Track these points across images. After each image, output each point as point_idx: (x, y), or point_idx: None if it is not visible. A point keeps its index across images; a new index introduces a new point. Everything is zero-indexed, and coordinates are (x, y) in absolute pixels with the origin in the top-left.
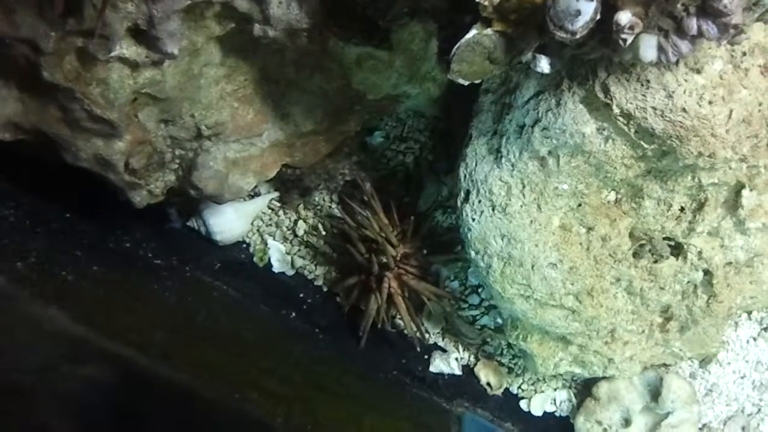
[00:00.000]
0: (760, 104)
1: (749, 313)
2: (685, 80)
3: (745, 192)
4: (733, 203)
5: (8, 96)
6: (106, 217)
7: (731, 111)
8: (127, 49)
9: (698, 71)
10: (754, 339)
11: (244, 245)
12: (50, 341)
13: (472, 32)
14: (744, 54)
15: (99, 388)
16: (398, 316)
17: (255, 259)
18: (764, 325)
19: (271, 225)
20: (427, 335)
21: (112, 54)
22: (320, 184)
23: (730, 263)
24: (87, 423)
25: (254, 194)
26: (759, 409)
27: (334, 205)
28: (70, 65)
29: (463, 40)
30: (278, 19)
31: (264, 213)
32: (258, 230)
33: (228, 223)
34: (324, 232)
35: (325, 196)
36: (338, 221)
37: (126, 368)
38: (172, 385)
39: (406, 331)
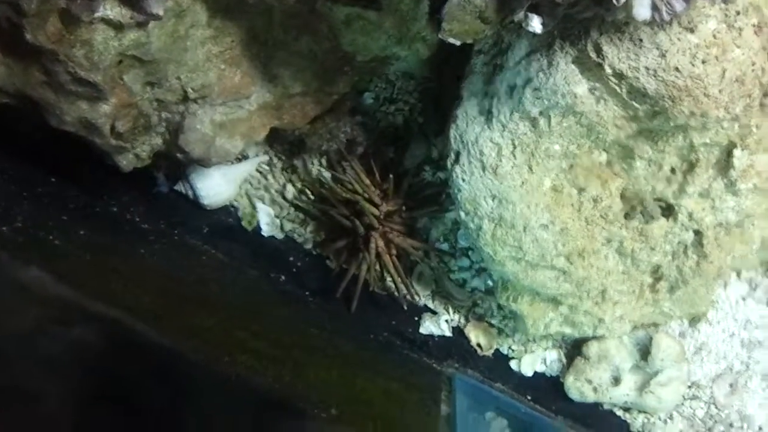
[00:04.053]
0: (753, 64)
1: (738, 273)
2: (678, 39)
3: (736, 152)
4: (725, 164)
5: None
6: (93, 181)
7: (724, 70)
8: (112, 10)
9: (691, 30)
10: (743, 298)
11: (232, 209)
12: (38, 305)
13: None
14: (738, 13)
15: (87, 351)
16: (388, 278)
17: (243, 222)
18: (753, 285)
19: (259, 188)
20: (417, 297)
21: (96, 15)
22: (322, 144)
23: (721, 224)
24: (75, 386)
25: (242, 157)
26: (747, 367)
27: (323, 168)
28: (54, 27)
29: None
30: None
31: (252, 176)
32: (246, 194)
33: (216, 186)
34: (312, 196)
35: (323, 159)
36: (323, 184)
37: (114, 331)
38: (161, 348)
39: (395, 292)
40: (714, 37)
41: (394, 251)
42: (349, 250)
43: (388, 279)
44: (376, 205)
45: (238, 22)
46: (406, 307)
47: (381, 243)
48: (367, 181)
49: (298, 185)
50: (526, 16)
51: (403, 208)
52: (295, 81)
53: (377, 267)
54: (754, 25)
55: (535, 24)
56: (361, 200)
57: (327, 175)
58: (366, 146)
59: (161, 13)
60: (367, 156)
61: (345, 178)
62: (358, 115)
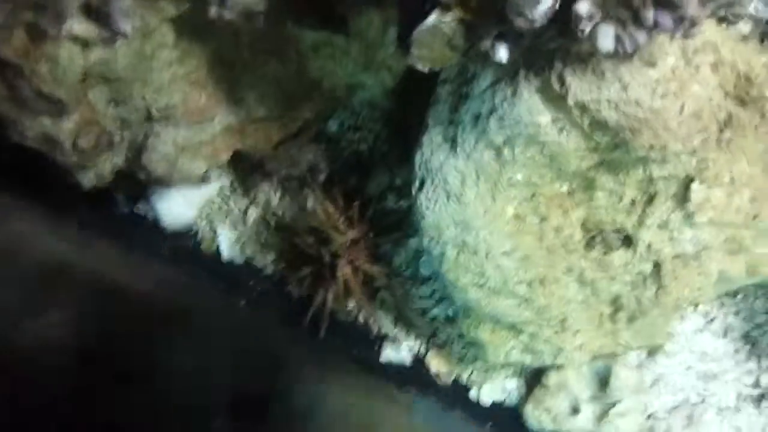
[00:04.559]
0: (711, 100)
1: (695, 305)
2: (639, 74)
3: (694, 185)
4: (683, 197)
5: None
6: (53, 199)
7: (683, 105)
8: (79, 25)
9: (652, 65)
10: (700, 331)
11: (193, 232)
12: None
13: (432, 17)
14: (696, 51)
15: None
16: (350, 305)
17: (203, 246)
18: (709, 318)
19: (220, 212)
20: (380, 325)
21: (63, 30)
22: (283, 170)
23: (679, 256)
24: None
25: (204, 180)
26: (703, 399)
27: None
28: (20, 40)
29: (422, 26)
30: (234, 1)
31: (213, 199)
32: (207, 217)
33: (176, 208)
34: (274, 222)
35: (286, 184)
36: (284, 212)
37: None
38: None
39: (360, 319)
40: (673, 72)
41: (360, 278)
42: (314, 277)
43: (350, 305)
44: (341, 233)
45: (205, 44)
46: (372, 336)
47: (347, 270)
48: (331, 209)
49: (260, 211)
50: (492, 45)
51: (370, 234)
52: (260, 105)
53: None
54: (711, 63)
55: (502, 53)
56: (328, 228)
57: (288, 200)
58: (329, 173)
59: (129, 30)
60: (331, 183)
61: (309, 205)
62: (323, 142)
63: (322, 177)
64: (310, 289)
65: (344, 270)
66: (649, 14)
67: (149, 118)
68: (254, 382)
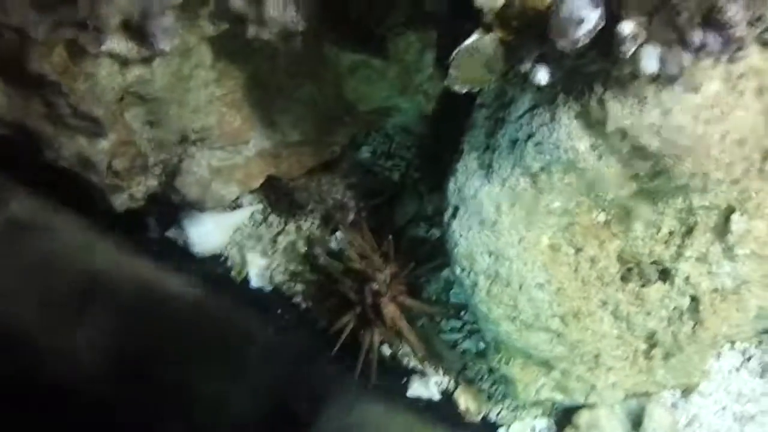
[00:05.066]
0: (755, 127)
1: (732, 343)
2: (682, 99)
3: (734, 217)
4: (723, 228)
5: None
6: (84, 221)
7: (726, 132)
8: (119, 43)
9: (695, 90)
10: (737, 369)
11: (223, 258)
12: None
13: (473, 38)
14: (739, 76)
15: None
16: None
17: (233, 272)
18: (747, 356)
19: (251, 238)
20: (432, 363)
21: (103, 48)
22: (309, 203)
23: (717, 290)
24: None
25: (236, 206)
26: None
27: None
28: (60, 57)
29: (462, 46)
30: (274, 21)
31: (245, 225)
32: (238, 243)
33: (207, 234)
34: (304, 253)
35: (315, 213)
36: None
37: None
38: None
39: (400, 354)
40: (716, 98)
41: (405, 314)
42: (357, 318)
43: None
44: (380, 270)
45: (243, 65)
46: (429, 374)
47: (392, 308)
48: (366, 247)
49: (292, 237)
50: (533, 67)
51: (410, 265)
52: (295, 129)
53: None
54: (755, 89)
55: (542, 75)
56: (367, 269)
57: (319, 237)
58: (357, 209)
59: (168, 49)
60: (359, 215)
61: (342, 247)
62: (351, 176)
63: (350, 216)
64: (354, 331)
65: (389, 308)
66: (696, 35)
67: (184, 140)
68: (281, 413)
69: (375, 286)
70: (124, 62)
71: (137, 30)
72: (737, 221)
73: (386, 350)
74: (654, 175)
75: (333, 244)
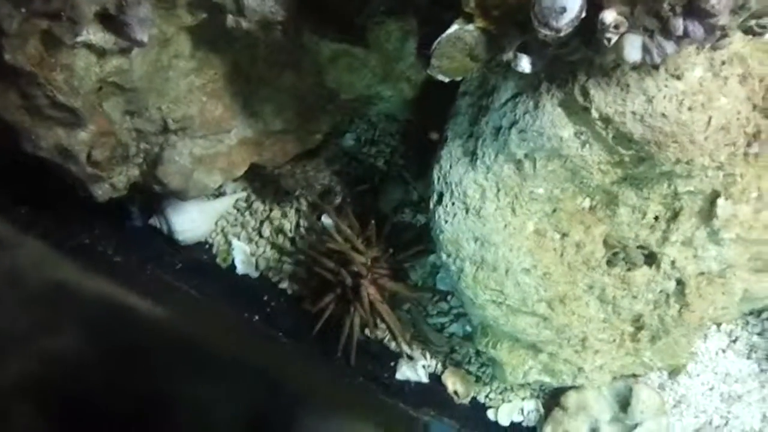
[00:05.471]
0: (739, 113)
1: (718, 325)
2: (665, 86)
3: (720, 201)
4: (708, 213)
5: None
6: (65, 212)
7: (710, 118)
8: (95, 34)
9: (678, 77)
10: (723, 351)
11: (207, 245)
12: None
13: (454, 27)
14: (723, 63)
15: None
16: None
17: (218, 259)
18: (733, 337)
19: (236, 225)
20: (411, 345)
21: (79, 39)
22: (296, 189)
23: (703, 273)
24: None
25: (220, 193)
26: (727, 422)
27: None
28: (35, 49)
29: (444, 36)
30: (252, 11)
31: (229, 213)
32: (222, 230)
33: (191, 222)
34: (290, 238)
35: (301, 200)
36: (302, 235)
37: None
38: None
39: (388, 339)
40: (700, 84)
41: (386, 297)
42: (337, 300)
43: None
44: (361, 253)
45: (222, 54)
46: (406, 355)
47: (372, 290)
48: (348, 231)
49: (276, 223)
50: (515, 56)
51: (390, 250)
52: (277, 117)
53: (369, 314)
54: (738, 75)
55: (524, 64)
56: (348, 250)
57: (304, 223)
58: (343, 195)
59: (146, 39)
60: (345, 201)
61: (326, 227)
62: (337, 162)
63: (337, 200)
64: (336, 311)
65: (369, 290)
66: (679, 23)
67: (165, 129)
68: (268, 402)
69: (354, 268)
70: (101, 53)
71: (113, 20)
72: (722, 206)
73: (380, 335)
74: (638, 161)
75: (318, 229)
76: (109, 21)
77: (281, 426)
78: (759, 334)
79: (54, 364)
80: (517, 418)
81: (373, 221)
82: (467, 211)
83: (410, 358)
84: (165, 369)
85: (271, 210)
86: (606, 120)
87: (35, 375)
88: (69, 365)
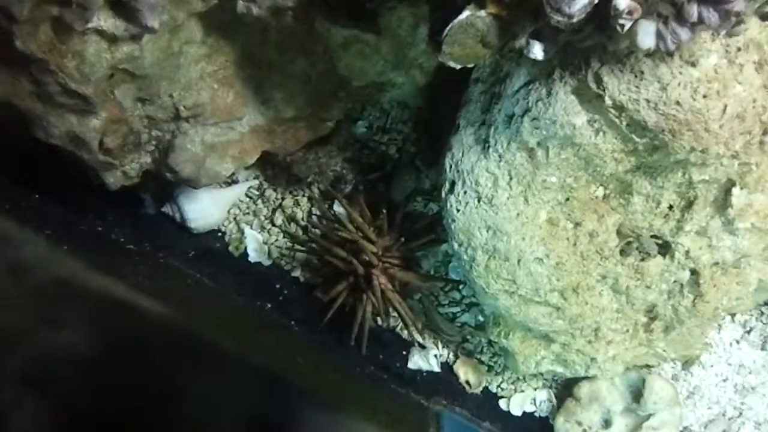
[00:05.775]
0: (754, 101)
1: (732, 315)
2: (680, 73)
3: (735, 190)
4: (723, 202)
5: None
6: (78, 198)
7: (725, 106)
8: (105, 21)
9: (693, 65)
10: (737, 342)
11: (220, 233)
12: None
13: (465, 13)
14: (739, 49)
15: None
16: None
17: (230, 248)
18: (747, 328)
19: (248, 213)
20: (424, 334)
21: (90, 25)
22: (309, 176)
23: (717, 263)
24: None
25: (232, 181)
26: (740, 413)
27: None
28: (45, 35)
29: (455, 21)
30: None
31: (241, 201)
32: (235, 218)
33: (204, 210)
34: (302, 227)
35: (313, 188)
36: (313, 224)
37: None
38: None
39: (403, 329)
40: (715, 72)
41: (397, 286)
42: (349, 290)
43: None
44: (372, 242)
45: (233, 41)
46: (418, 344)
47: (383, 280)
48: (360, 219)
49: (289, 211)
50: (528, 43)
51: (402, 239)
52: (289, 104)
53: (381, 303)
54: (755, 62)
55: (537, 50)
56: (359, 239)
57: (317, 211)
58: (355, 183)
59: (156, 26)
60: (356, 189)
61: (338, 216)
62: (349, 149)
63: (348, 188)
64: (348, 301)
65: (380, 280)
66: (693, 9)
67: (177, 117)
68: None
69: (366, 257)
70: (112, 39)
71: (124, 6)
72: (737, 195)
73: (392, 323)
74: (652, 149)
75: (330, 217)
76: (120, 7)
77: (285, 423)
78: None
79: (57, 360)
80: (530, 408)
81: (384, 210)
82: (479, 200)
83: (422, 347)
84: (170, 365)
85: (283, 198)
86: (620, 108)
87: (38, 370)
88: (72, 361)
